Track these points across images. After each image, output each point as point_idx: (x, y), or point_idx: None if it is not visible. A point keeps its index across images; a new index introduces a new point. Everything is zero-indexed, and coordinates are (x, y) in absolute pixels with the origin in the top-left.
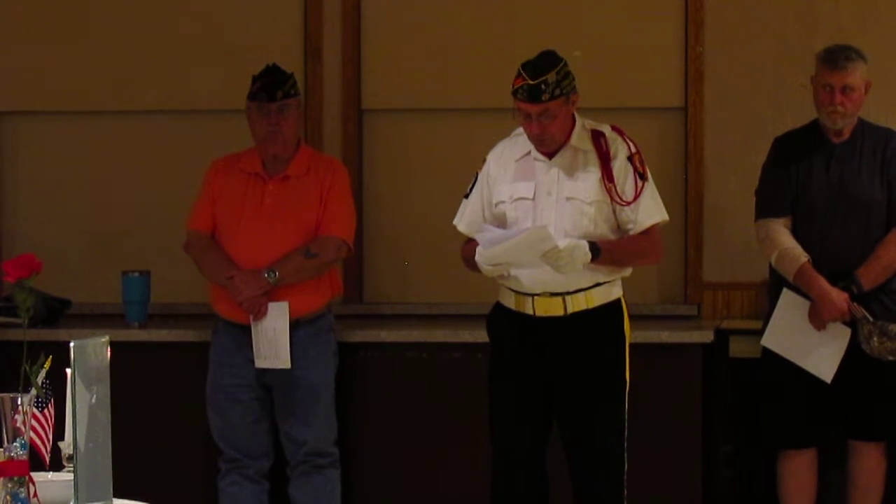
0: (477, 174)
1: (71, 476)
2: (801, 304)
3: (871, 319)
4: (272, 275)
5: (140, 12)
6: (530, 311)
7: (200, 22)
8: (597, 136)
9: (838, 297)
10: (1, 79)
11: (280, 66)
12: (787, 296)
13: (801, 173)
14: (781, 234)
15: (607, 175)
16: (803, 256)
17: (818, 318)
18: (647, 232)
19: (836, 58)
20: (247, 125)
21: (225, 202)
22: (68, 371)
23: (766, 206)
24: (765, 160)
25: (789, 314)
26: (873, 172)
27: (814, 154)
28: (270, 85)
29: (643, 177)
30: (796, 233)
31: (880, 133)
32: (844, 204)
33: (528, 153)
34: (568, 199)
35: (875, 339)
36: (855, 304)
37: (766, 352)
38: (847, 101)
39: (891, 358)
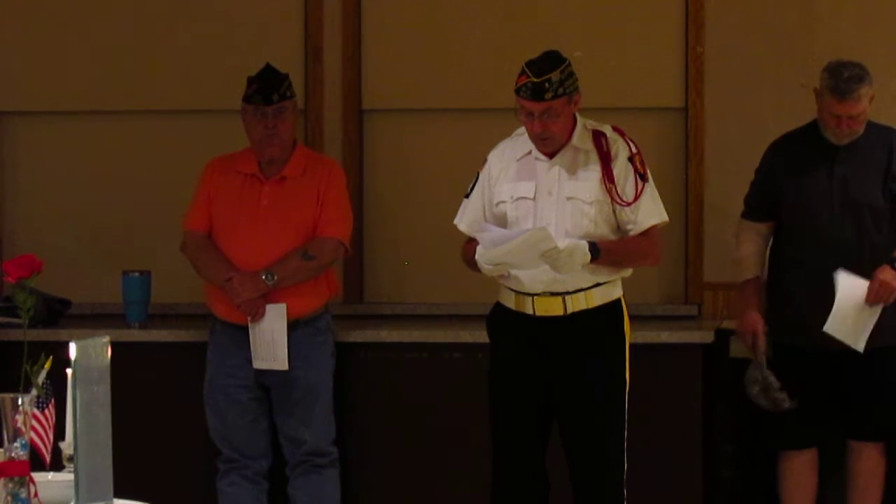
0: (478, 174)
1: (71, 476)
2: (859, 285)
3: (764, 373)
4: (270, 277)
5: (140, 12)
6: (530, 311)
7: (200, 22)
8: (598, 137)
9: (754, 324)
10: (1, 79)
11: (275, 67)
12: (842, 279)
13: (801, 176)
14: (749, 239)
15: (608, 175)
16: (751, 273)
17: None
18: (647, 233)
19: (843, 89)
20: None
21: (221, 203)
22: (68, 371)
23: (747, 210)
24: (759, 162)
25: (847, 296)
26: (878, 173)
27: (815, 156)
28: (266, 88)
29: (643, 178)
30: (798, 235)
31: (884, 132)
32: (847, 206)
33: (529, 153)
34: (568, 198)
35: (757, 388)
36: (763, 347)
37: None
38: (854, 124)
39: (762, 404)
